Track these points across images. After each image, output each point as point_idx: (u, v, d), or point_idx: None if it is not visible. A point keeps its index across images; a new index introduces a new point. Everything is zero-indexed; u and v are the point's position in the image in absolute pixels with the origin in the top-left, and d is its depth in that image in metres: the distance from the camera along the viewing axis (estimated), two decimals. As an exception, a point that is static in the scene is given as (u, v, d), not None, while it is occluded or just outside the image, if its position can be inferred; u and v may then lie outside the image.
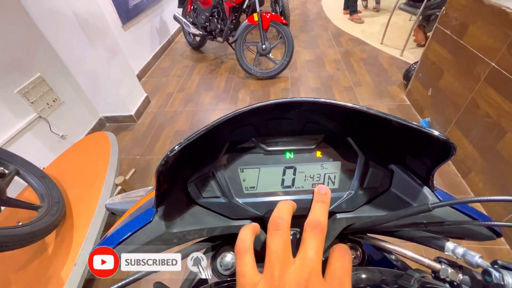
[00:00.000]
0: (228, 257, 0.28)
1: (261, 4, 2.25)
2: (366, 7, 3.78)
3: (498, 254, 1.14)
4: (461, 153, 1.44)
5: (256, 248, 0.25)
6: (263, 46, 2.29)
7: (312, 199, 0.23)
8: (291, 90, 2.29)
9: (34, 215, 0.99)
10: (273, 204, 0.29)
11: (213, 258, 0.29)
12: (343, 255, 0.20)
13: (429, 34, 2.20)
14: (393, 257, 0.30)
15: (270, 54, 2.37)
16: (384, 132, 0.26)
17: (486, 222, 0.22)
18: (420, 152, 0.24)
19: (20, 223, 0.89)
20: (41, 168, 1.21)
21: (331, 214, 0.29)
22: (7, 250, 0.81)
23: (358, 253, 0.30)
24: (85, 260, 0.97)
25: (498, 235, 0.24)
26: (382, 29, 2.83)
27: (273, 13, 2.22)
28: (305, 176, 0.29)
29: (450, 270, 0.22)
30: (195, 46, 3.17)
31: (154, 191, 0.26)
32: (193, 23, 2.85)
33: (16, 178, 1.08)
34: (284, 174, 0.29)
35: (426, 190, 0.25)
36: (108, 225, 1.41)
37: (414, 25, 2.47)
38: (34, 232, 0.88)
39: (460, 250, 0.21)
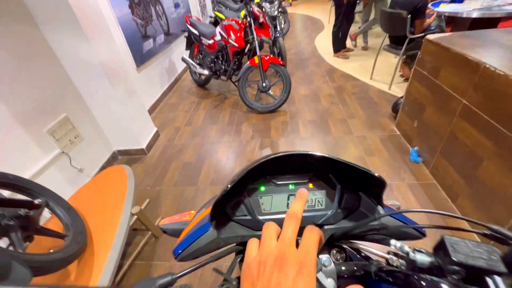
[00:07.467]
0: None
1: (260, 48, 2.55)
2: (355, 46, 4.17)
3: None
4: (449, 179, 1.57)
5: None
6: (263, 84, 2.55)
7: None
8: (290, 123, 2.48)
9: (59, 244, 1.09)
10: (281, 219, 0.42)
11: (241, 260, 0.42)
12: (311, 232, 0.29)
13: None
14: (363, 254, 0.43)
15: (270, 91, 2.61)
16: (349, 170, 0.40)
17: (413, 225, 0.35)
18: (370, 183, 0.39)
19: (51, 251, 0.99)
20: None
21: (321, 226, 0.42)
22: (40, 275, 0.91)
23: (343, 255, 0.42)
24: (104, 285, 1.05)
25: (423, 235, 0.37)
26: (371, 66, 3.13)
27: (272, 55, 2.51)
28: (302, 201, 0.43)
29: (395, 258, 0.34)
30: (201, 83, 3.46)
31: (204, 212, 0.40)
32: (200, 64, 3.16)
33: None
34: (288, 199, 0.43)
35: (379, 208, 0.39)
36: (123, 254, 1.49)
37: (398, 63, 2.76)
38: (64, 259, 0.98)
39: (398, 244, 0.34)
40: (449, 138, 1.53)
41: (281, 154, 0.37)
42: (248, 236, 0.41)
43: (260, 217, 0.42)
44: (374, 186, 0.38)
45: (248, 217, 0.42)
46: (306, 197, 0.32)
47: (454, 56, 1.45)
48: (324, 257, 0.39)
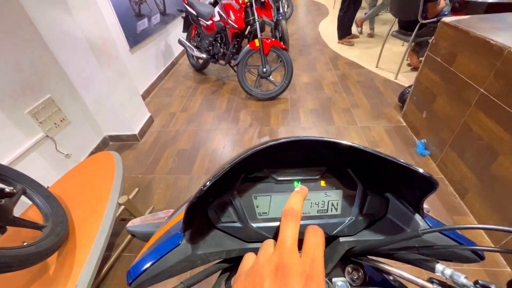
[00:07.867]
0: None
1: (262, 31, 2.39)
2: (361, 33, 3.99)
3: (500, 277, 1.15)
4: (457, 174, 1.48)
5: None
6: (264, 69, 2.40)
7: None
8: (290, 111, 2.36)
9: (37, 235, 1.00)
10: None
11: (228, 279, 0.31)
12: (315, 232, 0.23)
13: (421, 59, 2.31)
14: (391, 277, 0.33)
15: (271, 77, 2.47)
16: (379, 165, 0.30)
17: (471, 247, 0.25)
18: (409, 184, 0.28)
19: (25, 243, 0.89)
20: (46, 187, 1.23)
21: (335, 238, 0.32)
22: (11, 271, 0.82)
23: (360, 274, 0.32)
24: (86, 282, 0.97)
25: (481, 258, 0.27)
26: (377, 53, 2.98)
27: (273, 39, 2.35)
28: (311, 203, 0.32)
29: (441, 290, 0.25)
30: (198, 68, 3.30)
31: (179, 216, 0.29)
32: (197, 47, 2.99)
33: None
34: None
35: (417, 217, 0.29)
36: (110, 245, 1.41)
37: (407, 51, 2.61)
38: (38, 253, 0.88)
39: (448, 271, 0.24)
40: (462, 130, 1.43)
41: (284, 140, 0.26)
42: (237, 250, 0.31)
43: (254, 224, 0.31)
44: (415, 188, 0.27)
45: (238, 224, 0.31)
46: (306, 194, 0.27)
47: (474, 40, 1.32)
48: (339, 281, 0.29)
